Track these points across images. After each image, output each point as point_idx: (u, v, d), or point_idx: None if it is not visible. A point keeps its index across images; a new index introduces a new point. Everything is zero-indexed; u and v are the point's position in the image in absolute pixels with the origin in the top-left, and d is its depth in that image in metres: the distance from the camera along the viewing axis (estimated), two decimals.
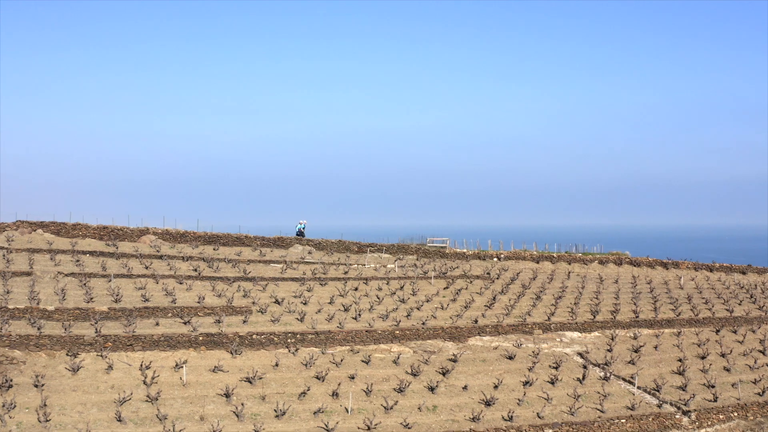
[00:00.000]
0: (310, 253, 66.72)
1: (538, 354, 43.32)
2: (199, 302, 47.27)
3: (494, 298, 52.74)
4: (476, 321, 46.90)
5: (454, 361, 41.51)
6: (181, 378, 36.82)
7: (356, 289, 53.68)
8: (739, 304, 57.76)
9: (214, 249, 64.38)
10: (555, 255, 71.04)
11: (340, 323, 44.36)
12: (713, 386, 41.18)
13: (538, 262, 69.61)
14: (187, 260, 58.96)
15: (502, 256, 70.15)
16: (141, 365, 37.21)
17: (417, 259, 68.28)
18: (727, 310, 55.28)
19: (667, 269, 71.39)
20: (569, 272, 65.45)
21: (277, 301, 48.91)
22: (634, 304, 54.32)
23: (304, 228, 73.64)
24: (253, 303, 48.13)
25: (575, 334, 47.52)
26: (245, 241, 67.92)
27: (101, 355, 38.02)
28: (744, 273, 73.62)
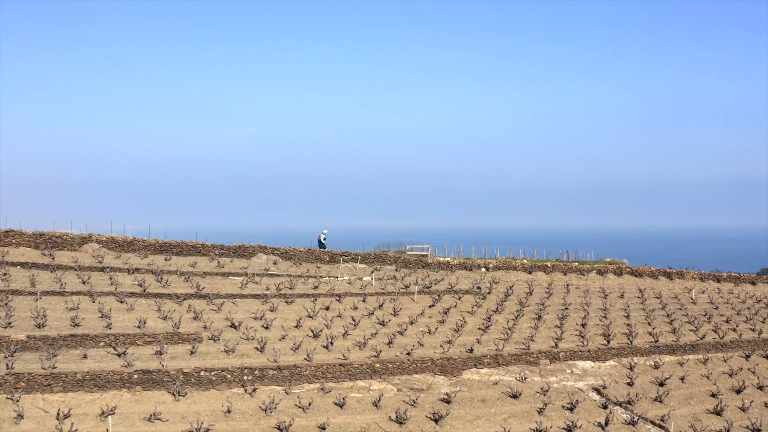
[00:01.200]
0: (275, 263, 58.82)
1: (547, 391, 35.86)
2: (139, 326, 39.37)
3: (489, 319, 45.28)
4: (471, 349, 39.35)
5: (448, 401, 33.90)
6: (107, 430, 28.95)
7: (327, 308, 45.94)
8: (762, 322, 50.98)
9: (165, 259, 56.31)
10: (549, 264, 63.89)
11: (308, 354, 36.62)
12: (759, 430, 34.10)
13: (530, 273, 62.42)
14: (133, 273, 50.88)
15: (491, 265, 62.81)
16: (59, 413, 29.27)
17: (396, 270, 60.71)
18: (752, 329, 48.43)
19: (672, 279, 64.59)
20: (567, 285, 58.25)
21: (233, 325, 41.05)
22: (649, 324, 47.24)
23: (325, 239, 66.06)
24: (205, 327, 40.28)
25: (587, 364, 40.19)
26: (201, 250, 59.84)
27: (11, 398, 30.09)
28: (754, 284, 67.20)
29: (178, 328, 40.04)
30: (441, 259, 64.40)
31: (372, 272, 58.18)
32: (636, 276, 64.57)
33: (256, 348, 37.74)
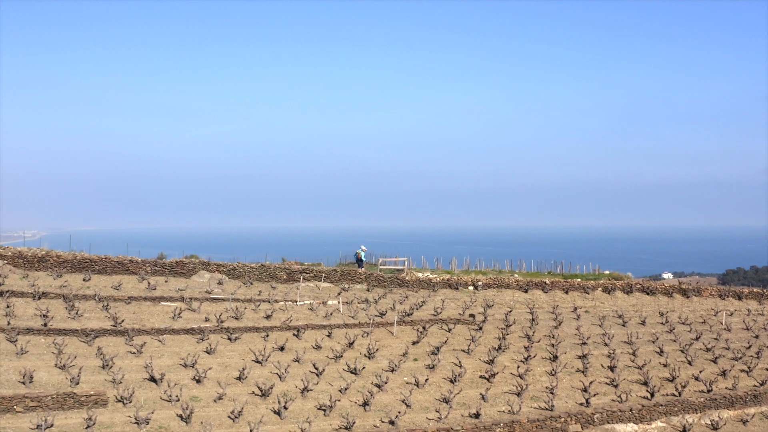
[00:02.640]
0: (220, 283, 48.08)
1: None
2: (24, 381, 28.73)
3: (492, 362, 35.08)
4: (477, 414, 29.03)
5: None
6: None
7: (282, 348, 35.42)
8: None
9: (84, 279, 45.46)
10: (547, 281, 54.04)
11: (251, 429, 26.09)
12: None
13: (526, 291, 52.51)
14: (39, 298, 40.03)
15: (480, 283, 52.73)
16: None
17: (368, 289, 50.35)
18: None
19: (688, 297, 55.16)
20: (575, 308, 48.39)
21: (153, 378, 30.43)
22: (689, 363, 37.57)
23: (364, 256, 55.97)
24: (114, 382, 29.68)
25: (629, 428, 30.22)
26: (130, 267, 48.87)
27: None
28: None
29: (76, 383, 29.45)
30: (420, 274, 54.16)
31: (339, 294, 47.76)
32: (647, 293, 55.02)
33: (180, 416, 27.17)
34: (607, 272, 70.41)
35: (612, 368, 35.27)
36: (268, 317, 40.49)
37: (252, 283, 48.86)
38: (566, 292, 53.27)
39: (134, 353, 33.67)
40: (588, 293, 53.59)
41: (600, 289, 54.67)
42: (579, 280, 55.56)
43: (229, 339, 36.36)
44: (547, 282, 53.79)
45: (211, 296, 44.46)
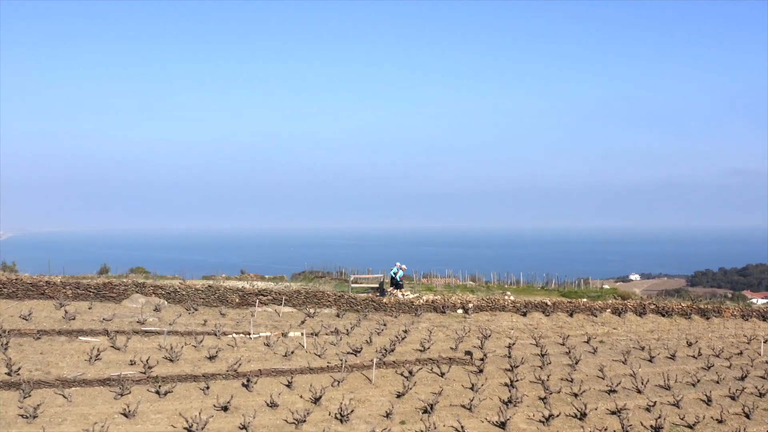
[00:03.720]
0: (157, 310, 39.30)
1: None
2: None
3: (504, 425, 26.69)
4: None
5: None
6: None
7: (226, 408, 26.75)
8: None
9: None
10: (549, 302, 46.05)
11: None
12: None
13: (525, 315, 44.44)
14: None
15: (471, 305, 44.54)
16: None
17: (338, 315, 41.88)
18: None
19: (708, 319, 47.51)
20: (587, 337, 40.30)
21: None
22: (746, 415, 29.64)
23: (401, 278, 47.19)
24: None
25: None
26: (46, 290, 39.94)
27: None
28: None
29: None
30: (399, 294, 45.84)
31: (303, 321, 39.23)
32: (663, 315, 47.28)
33: None
34: (606, 286, 62.81)
35: (657, 429, 27.15)
36: (212, 358, 31.84)
37: (197, 309, 40.18)
38: (571, 315, 45.34)
39: (26, 417, 24.90)
40: (596, 316, 45.71)
41: (609, 310, 46.83)
42: (585, 300, 47.67)
43: (158, 393, 27.66)
44: (549, 303, 45.79)
45: (143, 328, 35.67)
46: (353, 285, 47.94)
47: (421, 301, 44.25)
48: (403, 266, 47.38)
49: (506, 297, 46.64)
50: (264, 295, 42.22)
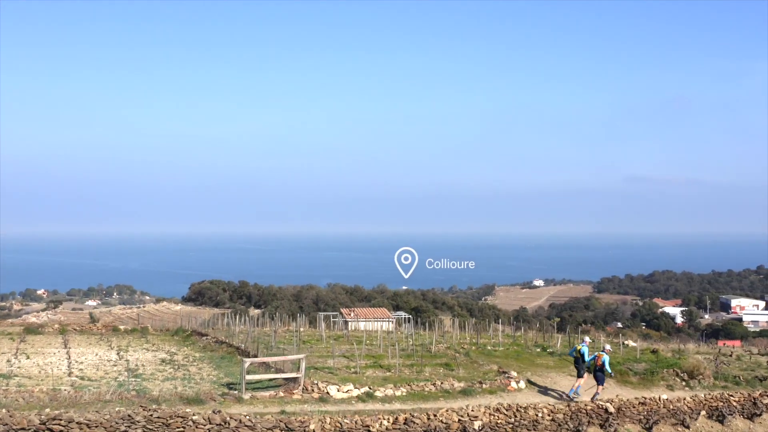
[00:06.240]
0: None
1: None
2: None
3: None
4: None
5: None
6: None
7: None
8: None
9: None
10: (611, 409, 25.32)
11: None
12: None
13: None
14: None
15: (478, 425, 23.05)
16: None
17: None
18: None
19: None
20: None
21: None
22: None
23: (585, 351, 24.33)
24: None
25: None
26: None
27: None
28: None
29: None
30: (331, 388, 24.02)
31: None
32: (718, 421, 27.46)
33: None
34: (632, 344, 42.81)
35: None
36: None
37: None
38: (649, 429, 24.73)
39: None
40: (688, 427, 25.33)
41: (704, 413, 26.56)
42: (665, 398, 26.98)
43: None
44: (611, 410, 24.93)
45: None
46: (247, 377, 25.32)
47: (381, 428, 22.19)
48: (588, 340, 28.50)
49: (536, 413, 25.61)
50: None
